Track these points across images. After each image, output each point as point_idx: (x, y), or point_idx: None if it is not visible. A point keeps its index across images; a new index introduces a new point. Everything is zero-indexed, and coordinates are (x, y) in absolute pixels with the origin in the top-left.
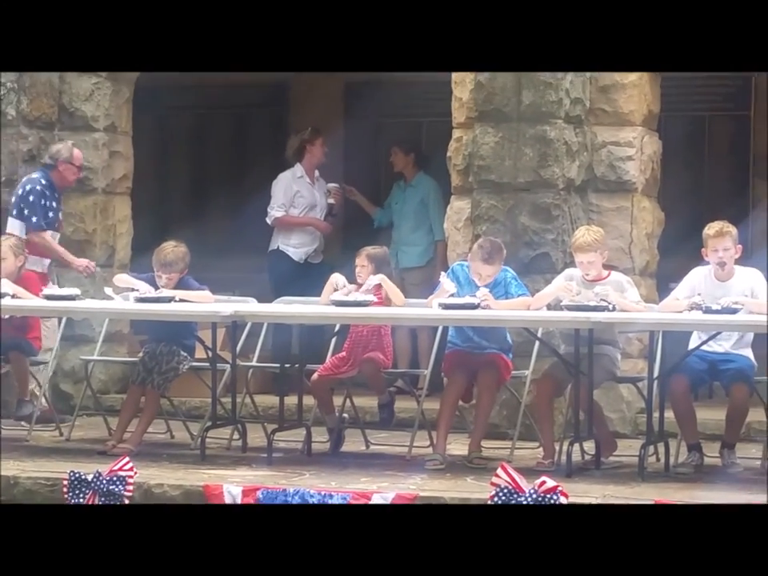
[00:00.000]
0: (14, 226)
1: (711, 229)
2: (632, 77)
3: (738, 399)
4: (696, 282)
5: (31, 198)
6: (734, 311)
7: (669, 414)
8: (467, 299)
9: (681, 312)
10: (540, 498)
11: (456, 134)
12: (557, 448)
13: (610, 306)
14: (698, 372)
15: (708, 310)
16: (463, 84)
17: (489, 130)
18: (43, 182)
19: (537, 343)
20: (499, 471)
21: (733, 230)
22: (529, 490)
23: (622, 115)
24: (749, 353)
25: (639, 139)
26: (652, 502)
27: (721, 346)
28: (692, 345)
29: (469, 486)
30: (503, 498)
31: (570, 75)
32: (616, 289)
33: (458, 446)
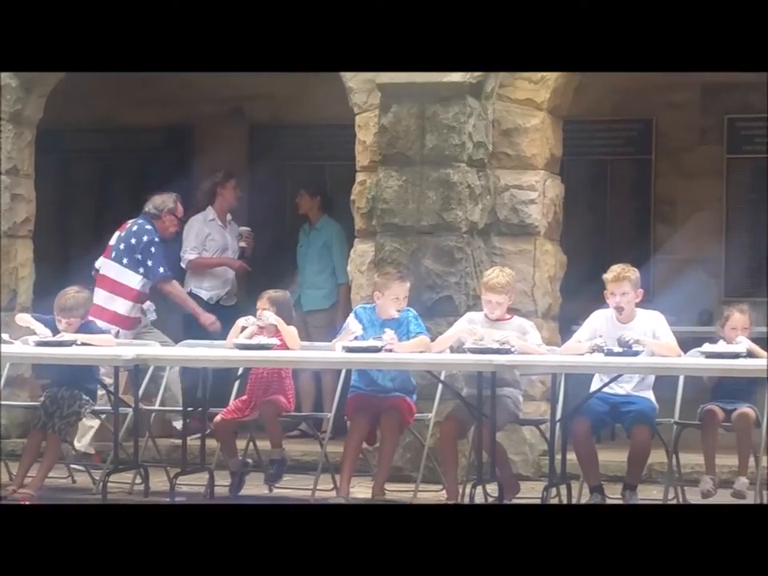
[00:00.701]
0: (126, 275)
1: (610, 273)
2: (534, 121)
3: (639, 441)
4: (598, 324)
5: (153, 249)
6: (636, 353)
7: (571, 456)
8: (370, 342)
9: (583, 354)
10: None
11: (360, 177)
12: (460, 490)
13: (513, 349)
14: (599, 414)
15: (609, 353)
16: (367, 127)
17: (392, 173)
18: (155, 231)
19: (440, 386)
20: None
21: (632, 274)
22: None
23: (525, 159)
24: (650, 395)
25: (542, 183)
26: None
27: (622, 388)
28: (594, 387)
29: None
30: None
31: (472, 119)
32: (518, 332)
33: (361, 489)
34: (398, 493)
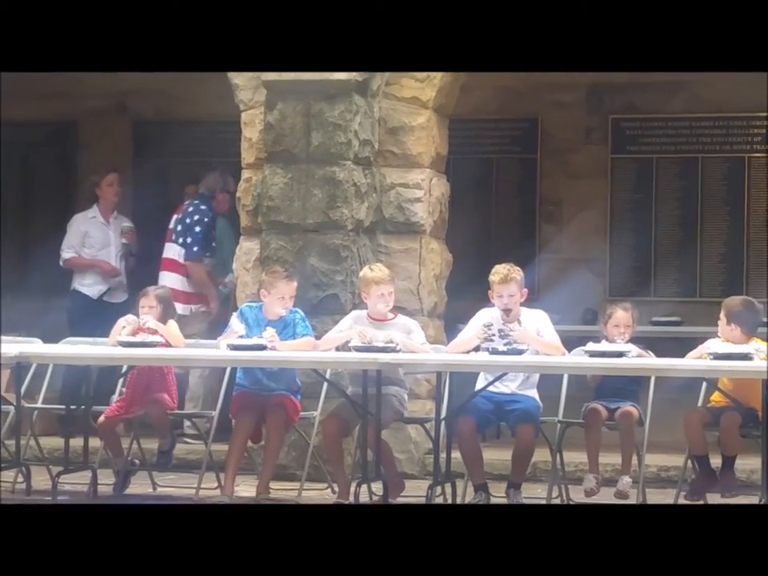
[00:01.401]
0: (173, 250)
1: (496, 275)
2: (420, 119)
3: (523, 439)
4: (483, 323)
5: (197, 228)
6: (520, 352)
7: (456, 455)
8: (255, 340)
9: (468, 351)
10: None
11: (245, 174)
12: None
13: (397, 348)
14: (484, 413)
15: (494, 351)
16: (252, 125)
17: (278, 170)
18: (205, 209)
19: (325, 384)
20: None
21: (518, 275)
22: None
23: (411, 157)
24: (534, 393)
25: (427, 181)
26: None
27: (507, 386)
28: (479, 386)
29: None
30: None
31: (358, 117)
32: (402, 331)
33: (246, 488)
34: (283, 491)
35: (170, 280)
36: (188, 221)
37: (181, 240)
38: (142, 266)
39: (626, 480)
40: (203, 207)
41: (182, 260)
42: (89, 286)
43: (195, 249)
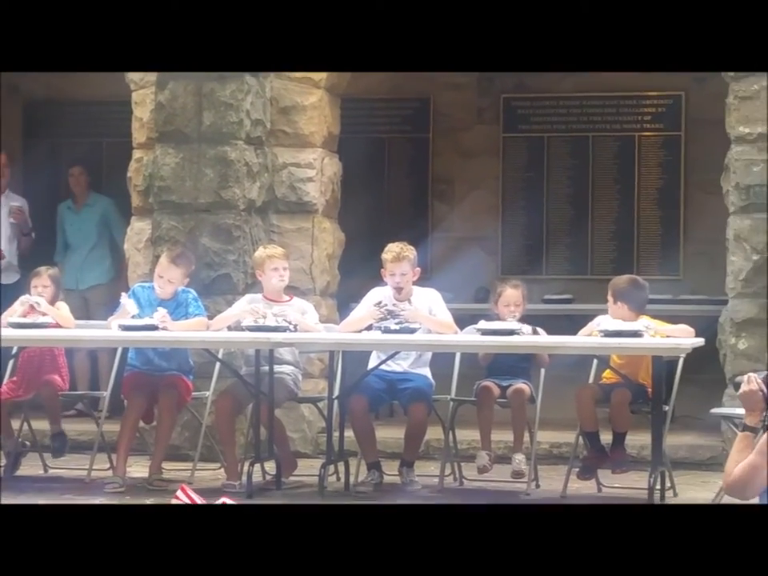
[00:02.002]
0: None
1: (389, 253)
2: (312, 99)
3: (415, 418)
4: (375, 301)
5: None
6: (412, 331)
7: (349, 434)
8: (147, 321)
9: (361, 330)
10: None
11: (136, 154)
12: (239, 468)
13: (291, 327)
14: (377, 391)
15: (387, 330)
16: (144, 104)
17: (169, 150)
18: None
19: (218, 364)
20: (179, 493)
21: (410, 253)
22: None
23: (303, 137)
24: (427, 372)
25: (319, 161)
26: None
27: (399, 365)
28: (371, 364)
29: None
30: None
31: (250, 97)
32: (298, 311)
33: (138, 469)
34: (176, 472)
35: None
36: None
37: None
38: (35, 246)
39: (519, 457)
40: None
41: None
42: None
43: None
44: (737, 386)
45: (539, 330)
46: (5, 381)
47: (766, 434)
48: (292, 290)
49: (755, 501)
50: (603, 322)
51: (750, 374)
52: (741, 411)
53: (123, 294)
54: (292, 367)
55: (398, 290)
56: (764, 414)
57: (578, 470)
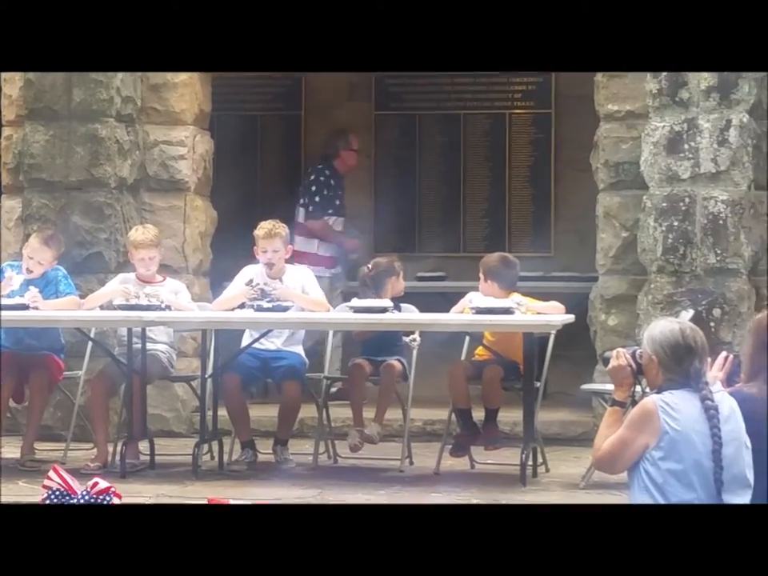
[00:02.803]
0: (299, 213)
1: (261, 230)
2: (183, 76)
3: (289, 396)
4: (248, 279)
5: (313, 188)
6: (285, 309)
7: (223, 412)
8: (17, 300)
9: (233, 308)
10: (93, 500)
11: (6, 132)
12: (110, 449)
13: (163, 305)
14: (250, 369)
15: (259, 308)
16: (12, 81)
17: (39, 128)
18: (327, 172)
19: (90, 344)
20: (51, 473)
21: (283, 230)
22: (81, 491)
23: (174, 114)
24: (300, 350)
25: (191, 138)
26: (205, 500)
27: (273, 343)
28: (244, 343)
29: (21, 489)
30: (55, 500)
31: (120, 74)
32: (170, 291)
33: (10, 449)
34: (49, 452)
35: (300, 243)
36: (306, 182)
37: (302, 201)
38: None
39: (375, 426)
40: (320, 167)
41: (303, 220)
42: None
43: (310, 209)
44: (605, 362)
45: (411, 307)
46: None
47: (633, 409)
48: (165, 268)
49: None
50: (475, 299)
51: (619, 349)
52: (611, 387)
53: (7, 267)
54: (167, 346)
55: (270, 266)
56: (632, 389)
57: (450, 446)
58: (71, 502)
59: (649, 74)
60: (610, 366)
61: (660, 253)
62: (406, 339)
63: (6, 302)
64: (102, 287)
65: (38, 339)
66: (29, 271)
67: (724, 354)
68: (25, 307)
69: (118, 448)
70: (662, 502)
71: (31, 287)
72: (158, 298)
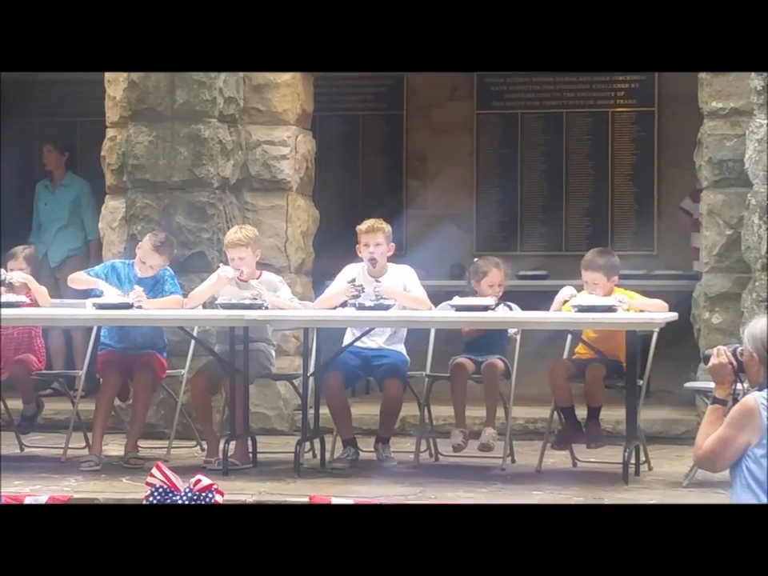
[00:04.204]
0: None
1: (364, 225)
2: (285, 76)
3: (390, 394)
4: (350, 278)
5: None
6: (387, 307)
7: (324, 410)
8: (120, 298)
9: (336, 307)
10: (195, 497)
11: (110, 133)
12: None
13: (265, 304)
14: (352, 368)
15: (361, 307)
16: (116, 83)
17: (143, 129)
18: None
19: (192, 342)
20: (154, 471)
21: (385, 226)
22: (184, 488)
23: (276, 114)
24: (402, 348)
25: (293, 138)
26: (307, 498)
27: (374, 341)
28: (346, 341)
29: (124, 487)
30: (158, 497)
31: (223, 74)
32: (269, 288)
33: (114, 447)
34: (152, 450)
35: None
36: None
37: None
38: (11, 227)
39: (489, 431)
40: None
41: None
42: None
43: None
44: (706, 359)
45: (513, 305)
46: None
47: (734, 407)
48: (267, 267)
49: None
50: (577, 297)
51: (719, 346)
52: (713, 385)
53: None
54: (264, 344)
55: (372, 261)
56: (733, 386)
57: (553, 440)
58: (174, 498)
59: (753, 72)
60: (710, 363)
61: (765, 250)
62: (512, 332)
63: (110, 301)
64: (203, 283)
65: (142, 338)
66: (140, 272)
67: None
68: (129, 306)
69: (221, 446)
70: (764, 499)
71: (135, 286)
72: (260, 296)
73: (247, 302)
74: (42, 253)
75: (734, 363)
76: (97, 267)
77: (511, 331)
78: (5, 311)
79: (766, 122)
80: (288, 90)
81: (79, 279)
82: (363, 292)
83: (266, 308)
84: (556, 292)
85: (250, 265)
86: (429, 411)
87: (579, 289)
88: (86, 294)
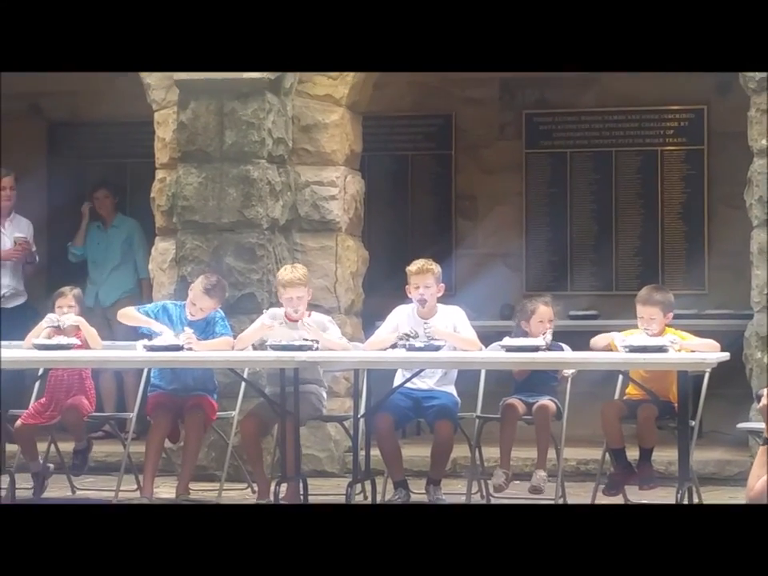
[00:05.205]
0: None
1: (413, 266)
2: (333, 116)
3: (442, 435)
4: (400, 319)
5: None
6: (437, 348)
7: (375, 452)
8: (170, 340)
9: (386, 349)
10: None
11: (159, 174)
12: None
13: (315, 345)
14: (402, 409)
15: (411, 348)
16: (166, 124)
17: (192, 170)
18: None
19: (243, 384)
20: None
21: (435, 267)
22: None
23: (325, 155)
24: (452, 389)
25: (342, 178)
26: None
27: (425, 382)
28: (396, 382)
29: None
30: None
31: (271, 115)
32: (318, 328)
33: (166, 489)
34: (203, 492)
35: None
36: None
37: None
38: (53, 267)
39: (541, 474)
40: None
41: None
42: None
43: None
44: (759, 399)
45: (564, 346)
46: (31, 403)
47: None
48: (316, 307)
49: None
50: (628, 336)
51: None
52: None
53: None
54: (315, 386)
55: (422, 302)
56: None
57: (604, 486)
58: None
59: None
60: (761, 403)
61: None
62: (566, 373)
63: (160, 343)
64: (250, 326)
65: (193, 380)
66: (191, 314)
67: None
68: (179, 348)
69: (272, 488)
70: None
71: (186, 328)
72: (312, 332)
73: (297, 343)
74: (93, 292)
75: None
76: (148, 306)
77: (568, 372)
78: (57, 353)
79: None
80: (337, 130)
81: (129, 315)
82: (417, 337)
83: (318, 348)
84: (607, 332)
85: (305, 304)
86: (480, 452)
87: (624, 329)
88: (137, 334)
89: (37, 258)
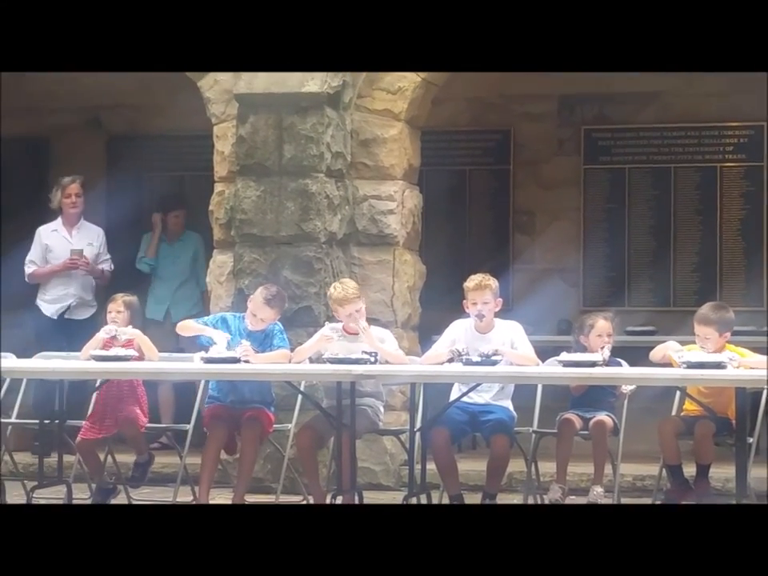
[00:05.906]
0: None
1: (471, 282)
2: (392, 131)
3: (498, 450)
4: (457, 334)
5: None
6: (494, 363)
7: (431, 466)
8: (227, 352)
9: (443, 362)
10: None
11: (218, 187)
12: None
13: (372, 359)
14: (459, 423)
15: (468, 362)
16: (225, 138)
17: (250, 183)
18: None
19: (299, 396)
20: None
21: (493, 282)
22: None
23: (383, 169)
24: (509, 404)
25: (400, 193)
26: None
27: (481, 397)
28: (453, 396)
29: None
30: None
31: (330, 129)
32: (376, 339)
33: (221, 501)
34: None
35: None
36: None
37: None
38: (115, 279)
39: (598, 490)
40: None
41: None
42: (48, 302)
43: None
44: None
45: (622, 361)
46: (87, 415)
47: None
48: (373, 321)
49: None
50: (686, 352)
51: None
52: None
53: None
54: (373, 399)
55: (480, 317)
56: None
57: (660, 502)
58: None
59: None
60: None
61: None
62: (626, 390)
63: (218, 355)
64: (309, 339)
65: (249, 392)
66: (251, 325)
67: None
68: (236, 360)
69: (328, 500)
70: None
71: (243, 341)
72: (369, 351)
73: (354, 356)
74: (160, 307)
75: None
76: (207, 318)
77: (628, 388)
78: (113, 365)
79: None
80: (395, 144)
81: (189, 327)
82: (468, 355)
83: (377, 361)
84: None
85: (364, 315)
86: (536, 467)
87: (684, 344)
88: (197, 347)
89: (110, 267)
